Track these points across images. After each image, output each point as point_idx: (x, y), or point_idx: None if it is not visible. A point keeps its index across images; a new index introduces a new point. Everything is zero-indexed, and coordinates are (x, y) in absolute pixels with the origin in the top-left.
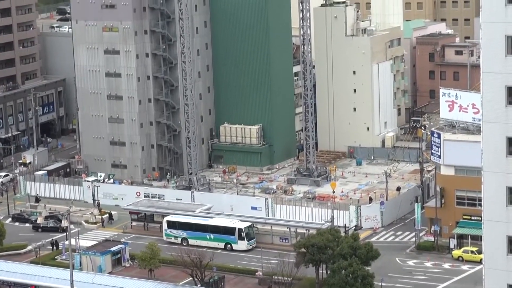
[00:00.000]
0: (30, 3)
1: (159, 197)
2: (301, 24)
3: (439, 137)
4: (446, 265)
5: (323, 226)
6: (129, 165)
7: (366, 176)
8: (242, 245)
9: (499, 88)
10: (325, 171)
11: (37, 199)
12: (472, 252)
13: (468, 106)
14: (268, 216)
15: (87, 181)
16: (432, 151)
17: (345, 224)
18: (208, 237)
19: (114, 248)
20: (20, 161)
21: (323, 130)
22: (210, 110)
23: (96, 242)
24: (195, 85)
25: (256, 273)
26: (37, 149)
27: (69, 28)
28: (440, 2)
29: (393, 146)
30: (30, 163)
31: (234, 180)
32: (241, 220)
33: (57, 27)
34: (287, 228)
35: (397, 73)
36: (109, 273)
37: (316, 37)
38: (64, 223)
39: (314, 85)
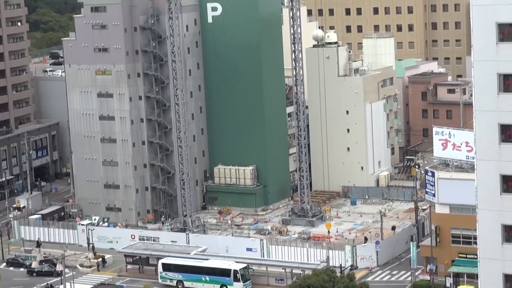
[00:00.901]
0: (23, 47)
1: (154, 240)
2: (294, 65)
3: (433, 175)
4: None
5: (319, 267)
6: (124, 208)
7: (361, 216)
8: (237, 286)
9: (492, 126)
10: (320, 211)
11: (38, 244)
12: None
13: (461, 144)
14: (264, 257)
15: (82, 224)
16: (427, 189)
17: (341, 264)
18: (203, 279)
19: None
20: (14, 205)
21: (317, 170)
22: (204, 152)
23: (92, 286)
24: (189, 127)
25: None
26: (31, 193)
27: (62, 72)
28: (432, 41)
29: (387, 185)
30: (24, 207)
31: (229, 222)
32: (236, 262)
33: (50, 71)
34: (283, 269)
35: (390, 112)
36: None
37: (308, 78)
38: (59, 267)
39: (308, 126)
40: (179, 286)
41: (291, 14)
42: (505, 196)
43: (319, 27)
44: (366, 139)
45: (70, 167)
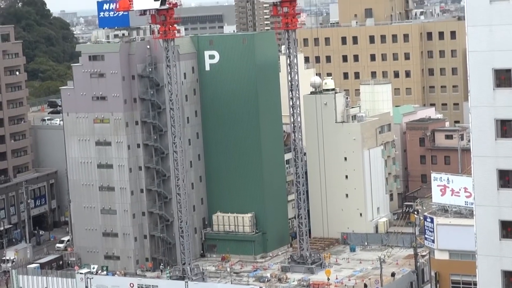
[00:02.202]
0: (21, 96)
1: None
2: (291, 112)
3: (432, 221)
4: None
5: None
6: (122, 256)
7: (360, 262)
8: None
9: (490, 171)
10: (319, 258)
11: None
12: None
13: (460, 190)
14: None
15: (80, 273)
16: (426, 235)
17: None
18: None
19: None
20: (3, 257)
21: (316, 217)
22: (203, 199)
23: None
24: (187, 174)
25: None
26: (29, 242)
27: (60, 120)
28: (429, 88)
29: (387, 232)
30: (14, 260)
31: (228, 269)
32: None
33: (48, 119)
34: None
35: (388, 159)
36: None
37: (306, 124)
38: None
39: (306, 172)
40: None
41: (288, 61)
42: (504, 241)
43: (316, 74)
44: (365, 186)
45: (68, 215)
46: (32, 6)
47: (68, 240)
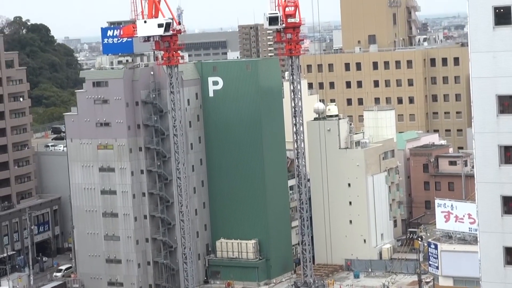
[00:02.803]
0: (25, 123)
1: None
2: (295, 138)
3: (436, 248)
4: None
5: None
6: (126, 283)
7: None
8: None
9: (494, 197)
10: (323, 285)
11: None
12: None
13: (464, 216)
14: None
15: None
16: (430, 262)
17: None
18: None
19: None
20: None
21: (319, 243)
22: (206, 226)
23: None
24: (191, 200)
25: None
26: (33, 268)
27: (64, 146)
28: (433, 114)
29: (391, 258)
30: None
31: None
32: None
33: (52, 146)
34: None
35: (392, 185)
36: None
37: (310, 151)
38: None
39: (310, 198)
40: None
41: (291, 88)
42: (508, 268)
43: (320, 100)
44: (369, 212)
45: (72, 242)
46: (36, 33)
47: (67, 269)
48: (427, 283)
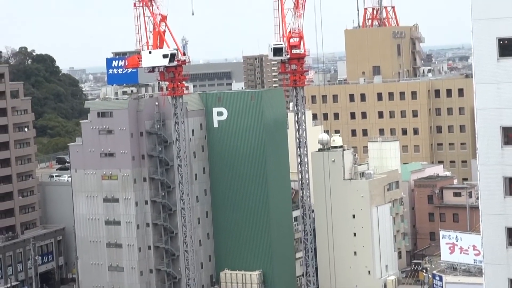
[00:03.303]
0: (30, 153)
1: None
2: (299, 169)
3: (441, 279)
4: None
5: None
6: None
7: None
8: None
9: (499, 229)
10: None
11: None
12: None
13: (468, 248)
14: None
15: None
16: None
17: None
18: None
19: None
20: None
21: (324, 275)
22: (210, 257)
23: None
24: (195, 231)
25: None
26: None
27: (68, 177)
28: (437, 145)
29: None
30: None
31: None
32: None
33: (56, 176)
34: None
35: (397, 216)
36: None
37: (314, 182)
38: None
39: (314, 230)
40: None
41: (296, 118)
42: None
43: (324, 131)
44: (373, 243)
45: (76, 272)
46: (41, 63)
47: None
48: None
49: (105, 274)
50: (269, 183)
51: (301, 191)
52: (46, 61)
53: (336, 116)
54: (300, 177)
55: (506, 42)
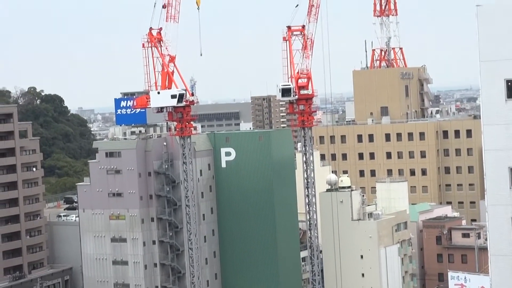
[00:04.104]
0: (38, 193)
1: None
2: (307, 209)
3: None
4: None
5: None
6: None
7: None
8: None
9: (507, 270)
10: None
11: None
12: None
13: None
14: None
15: None
16: None
17: None
18: None
19: None
20: None
21: None
22: None
23: None
24: (202, 271)
25: None
26: None
27: (76, 217)
28: (445, 186)
29: None
30: None
31: None
32: None
33: (64, 216)
34: None
35: (405, 257)
36: None
37: (322, 222)
38: None
39: (322, 270)
40: None
41: (304, 159)
42: None
43: (332, 172)
44: (381, 284)
45: None
46: (50, 103)
47: None
48: None
49: None
50: (277, 224)
51: (309, 232)
52: (55, 101)
53: (344, 156)
54: (308, 217)
55: None
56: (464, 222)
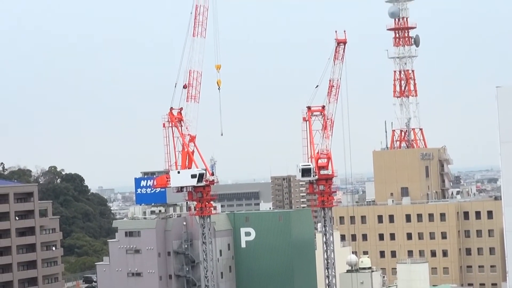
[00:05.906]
0: (57, 272)
1: None
2: None
3: None
4: None
5: None
6: None
7: None
8: None
9: None
10: None
11: None
12: None
13: None
14: None
15: None
16: None
17: None
18: None
19: None
20: None
21: None
22: None
23: None
24: None
25: None
26: None
27: None
28: (467, 267)
29: None
30: None
31: None
32: None
33: None
34: None
35: None
36: None
37: None
38: None
39: None
40: None
41: (324, 239)
42: None
43: (352, 252)
44: None
45: None
46: (70, 182)
47: None
48: None
49: None
50: None
51: None
52: (75, 180)
53: (365, 237)
54: None
55: None
56: None
